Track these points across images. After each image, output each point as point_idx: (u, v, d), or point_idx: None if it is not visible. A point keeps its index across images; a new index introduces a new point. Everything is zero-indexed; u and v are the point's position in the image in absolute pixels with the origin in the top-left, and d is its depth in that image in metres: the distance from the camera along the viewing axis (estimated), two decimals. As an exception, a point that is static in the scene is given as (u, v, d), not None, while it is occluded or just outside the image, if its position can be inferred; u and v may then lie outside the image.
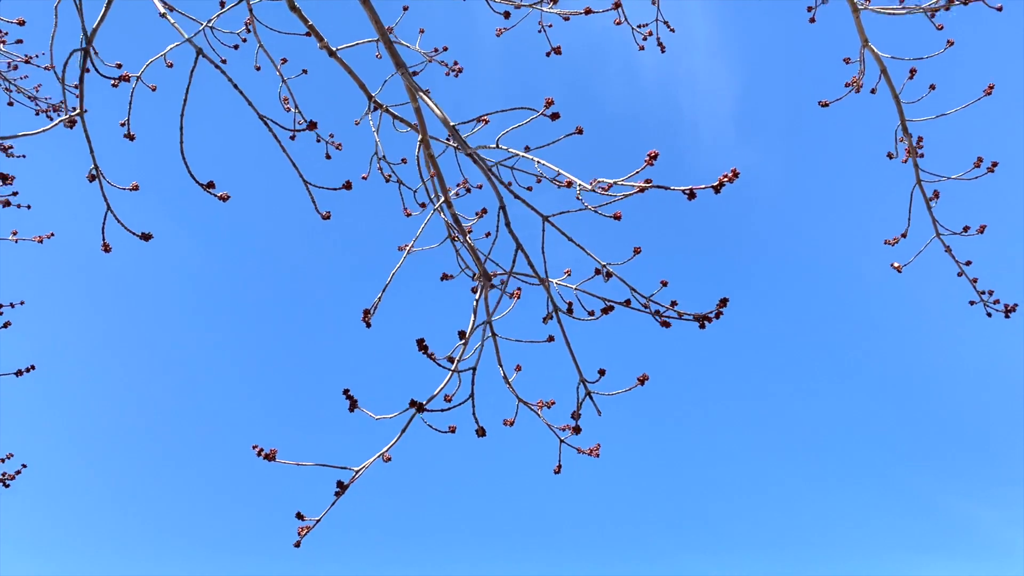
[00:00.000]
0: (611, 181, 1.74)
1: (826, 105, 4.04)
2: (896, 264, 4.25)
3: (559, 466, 2.27)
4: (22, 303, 4.11)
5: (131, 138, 2.71)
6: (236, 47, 2.84)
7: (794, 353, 14.41)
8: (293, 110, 3.20)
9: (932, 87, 3.83)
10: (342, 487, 2.12)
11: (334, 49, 2.66)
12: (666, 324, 2.21)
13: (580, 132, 2.36)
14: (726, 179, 1.62)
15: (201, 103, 2.53)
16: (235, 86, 1.89)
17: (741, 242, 12.61)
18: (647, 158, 1.66)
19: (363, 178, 3.04)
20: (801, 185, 12.03)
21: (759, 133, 11.15)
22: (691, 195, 1.63)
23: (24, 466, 3.76)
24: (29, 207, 3.76)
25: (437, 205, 2.56)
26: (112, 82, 2.12)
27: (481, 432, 2.11)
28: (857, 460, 14.06)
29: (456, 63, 3.54)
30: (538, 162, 2.13)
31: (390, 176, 3.33)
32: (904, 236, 4.25)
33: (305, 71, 3.27)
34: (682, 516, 14.02)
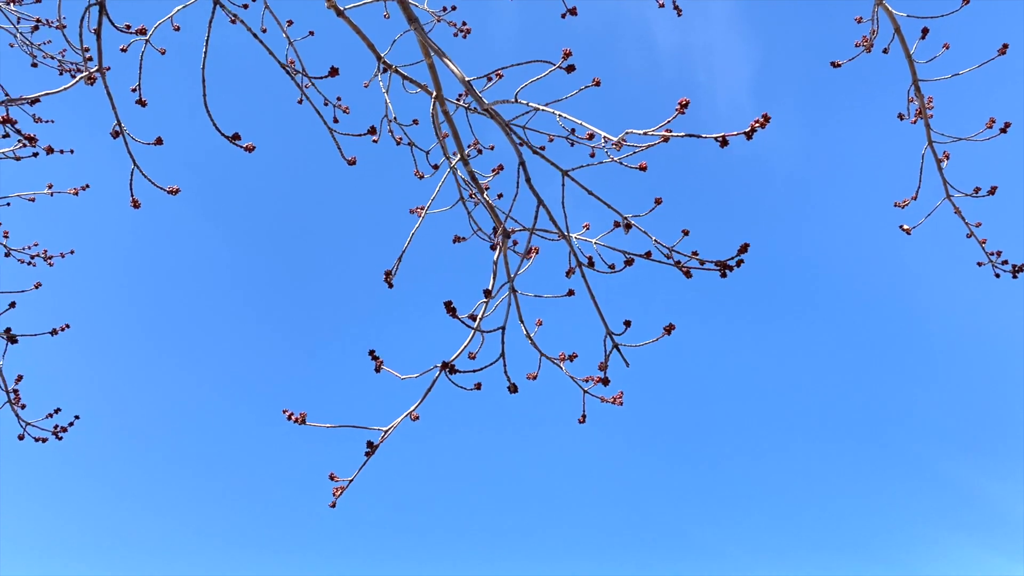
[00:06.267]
0: (641, 131, 1.72)
1: (838, 66, 3.99)
2: (905, 226, 4.24)
3: (583, 416, 2.28)
4: (72, 252, 4.14)
5: (143, 104, 2.66)
6: (246, 6, 2.79)
7: (807, 322, 14.45)
8: (300, 73, 3.15)
9: (946, 46, 3.78)
10: (372, 447, 2.12)
11: (342, 9, 2.61)
12: (688, 274, 2.20)
13: (598, 84, 2.33)
14: (757, 124, 1.60)
15: (209, 64, 2.49)
16: (254, 35, 1.85)
17: (757, 215, 12.58)
18: (678, 106, 1.63)
19: (374, 140, 3.00)
20: (818, 152, 11.98)
21: (776, 102, 11.07)
22: (723, 142, 1.60)
23: (77, 417, 3.71)
24: (72, 151, 3.72)
25: (453, 163, 2.53)
26: (130, 36, 2.08)
27: (513, 388, 2.11)
28: (877, 436, 14.15)
29: (464, 23, 3.48)
30: (559, 115, 2.10)
31: (401, 139, 3.29)
32: (915, 198, 4.23)
33: (312, 32, 3.22)
34: (702, 474, 14.16)
